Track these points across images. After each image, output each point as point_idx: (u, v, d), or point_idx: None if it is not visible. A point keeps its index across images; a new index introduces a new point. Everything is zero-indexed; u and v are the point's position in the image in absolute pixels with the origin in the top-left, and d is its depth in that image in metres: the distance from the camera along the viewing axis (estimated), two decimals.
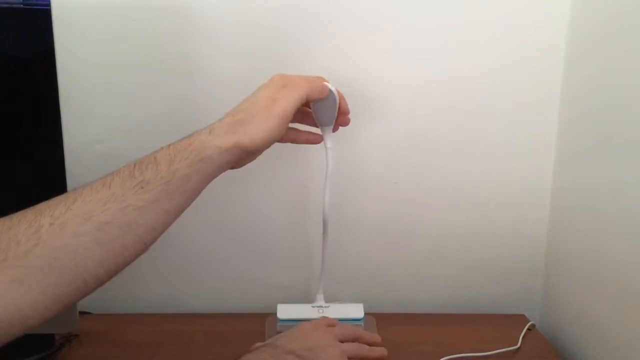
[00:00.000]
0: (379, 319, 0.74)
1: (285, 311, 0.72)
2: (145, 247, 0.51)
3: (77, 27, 0.74)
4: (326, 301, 0.73)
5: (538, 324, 0.80)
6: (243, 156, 0.54)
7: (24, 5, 0.59)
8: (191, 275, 0.83)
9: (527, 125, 0.79)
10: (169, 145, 0.52)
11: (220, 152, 0.51)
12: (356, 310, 0.72)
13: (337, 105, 0.63)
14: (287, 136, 0.60)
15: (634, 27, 0.61)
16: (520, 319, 0.80)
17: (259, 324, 0.73)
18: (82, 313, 0.68)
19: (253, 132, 0.53)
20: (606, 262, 0.66)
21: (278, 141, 0.56)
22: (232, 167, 0.55)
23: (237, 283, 0.83)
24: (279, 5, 0.74)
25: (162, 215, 0.50)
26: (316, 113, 0.63)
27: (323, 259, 0.72)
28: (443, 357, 0.69)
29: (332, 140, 0.65)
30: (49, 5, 0.59)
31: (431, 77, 0.77)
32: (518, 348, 0.72)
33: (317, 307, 0.72)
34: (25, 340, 0.67)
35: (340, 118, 0.64)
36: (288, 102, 0.55)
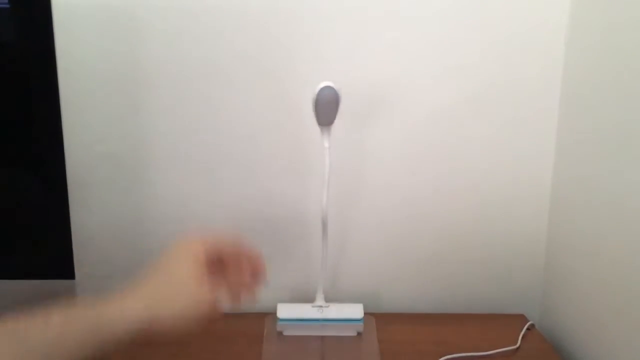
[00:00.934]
0: (378, 319, 0.74)
1: (285, 310, 0.72)
2: None
3: (78, 28, 0.74)
4: (326, 301, 0.73)
5: (538, 324, 0.80)
6: (154, 331, 0.52)
7: (24, 5, 0.59)
8: None
9: (527, 125, 0.79)
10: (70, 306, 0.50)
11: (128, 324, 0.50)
12: (356, 310, 0.72)
13: (338, 105, 0.63)
14: None
15: (634, 28, 0.61)
16: (520, 318, 0.80)
17: (259, 324, 0.73)
18: None
19: (172, 309, 0.51)
20: (606, 262, 0.66)
21: None
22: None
23: None
24: (278, 6, 0.74)
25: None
26: (316, 112, 0.63)
27: (323, 259, 0.72)
28: (443, 357, 0.69)
29: (331, 140, 0.65)
30: (49, 5, 0.58)
31: (431, 78, 0.77)
32: (518, 348, 0.72)
33: (317, 306, 0.72)
34: None
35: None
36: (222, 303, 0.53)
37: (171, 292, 0.51)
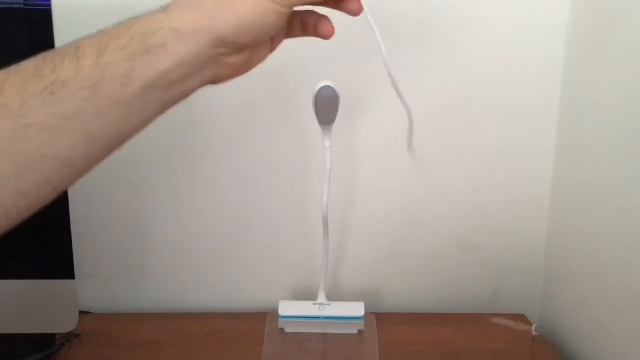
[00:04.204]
0: (379, 319, 0.74)
1: (286, 308, 0.72)
2: (54, 192, 0.34)
3: (78, 28, 0.73)
4: (327, 299, 0.73)
5: (538, 324, 0.80)
6: (219, 50, 0.36)
7: (24, 5, 0.59)
8: (192, 275, 0.83)
9: (527, 125, 0.79)
10: (100, 32, 0.35)
11: (178, 38, 0.34)
12: (357, 309, 0.72)
13: (338, 105, 0.63)
14: (291, 27, 0.45)
15: (634, 28, 0.61)
16: (520, 319, 0.80)
17: (260, 324, 0.73)
18: (82, 312, 0.68)
19: (236, 9, 0.35)
20: (606, 261, 0.66)
21: (281, 36, 0.43)
22: (211, 80, 0.38)
23: (237, 282, 0.83)
24: None
25: (85, 143, 0.33)
26: (316, 112, 0.63)
27: (324, 257, 0.72)
28: (443, 357, 0.69)
29: (331, 139, 0.65)
30: (49, 5, 0.59)
31: (431, 77, 0.77)
32: (518, 348, 0.72)
33: (319, 304, 0.72)
34: (26, 340, 0.68)
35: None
36: None
37: None
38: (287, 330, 0.72)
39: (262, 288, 0.84)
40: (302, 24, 0.46)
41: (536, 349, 0.73)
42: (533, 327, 0.74)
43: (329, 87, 0.63)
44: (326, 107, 0.63)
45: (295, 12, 0.41)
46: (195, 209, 0.80)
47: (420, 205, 0.81)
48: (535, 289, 0.84)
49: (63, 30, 0.70)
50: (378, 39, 0.47)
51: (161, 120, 0.77)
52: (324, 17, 0.46)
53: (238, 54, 0.38)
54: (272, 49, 0.44)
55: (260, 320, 0.74)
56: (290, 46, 0.77)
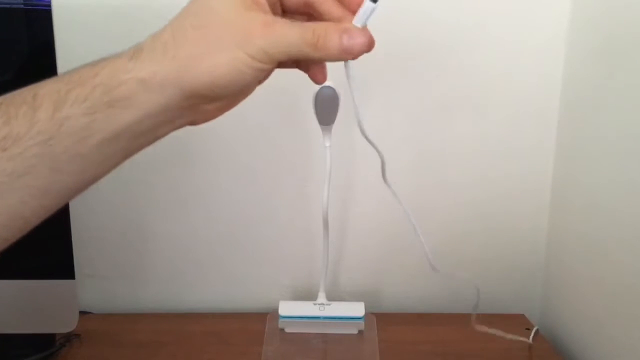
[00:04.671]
0: (379, 319, 0.74)
1: (287, 308, 0.72)
2: (5, 243, 0.33)
3: (78, 28, 0.74)
4: (328, 299, 0.73)
5: (538, 324, 0.80)
6: (192, 101, 0.33)
7: (24, 5, 0.59)
8: (191, 275, 0.83)
9: (527, 124, 0.79)
10: (63, 75, 0.32)
11: (145, 90, 0.31)
12: (357, 309, 0.72)
13: (338, 104, 0.63)
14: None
15: (635, 27, 0.61)
16: (520, 318, 0.80)
17: (260, 324, 0.73)
18: (82, 313, 0.68)
19: (211, 63, 0.32)
20: (606, 261, 0.66)
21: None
22: (186, 125, 0.36)
23: (237, 282, 0.83)
24: None
25: (37, 198, 0.32)
26: (316, 112, 0.63)
27: (324, 257, 0.72)
28: (443, 357, 0.69)
29: (332, 140, 0.65)
30: (49, 5, 0.59)
31: (431, 77, 0.77)
32: (518, 348, 0.72)
33: (319, 304, 0.72)
34: (26, 340, 0.68)
35: None
36: (289, 31, 0.32)
37: (200, 26, 0.32)
38: (287, 330, 0.72)
39: (262, 288, 0.84)
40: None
41: (536, 348, 0.73)
42: (530, 337, 0.74)
43: (329, 87, 0.63)
44: (326, 107, 0.63)
45: None
46: (195, 209, 0.80)
47: (420, 205, 0.81)
48: (535, 289, 0.84)
49: (63, 30, 0.70)
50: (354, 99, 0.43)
51: None
52: (320, 65, 0.41)
53: (215, 102, 0.35)
54: (260, 82, 0.40)
55: (260, 320, 0.74)
56: None
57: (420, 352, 0.71)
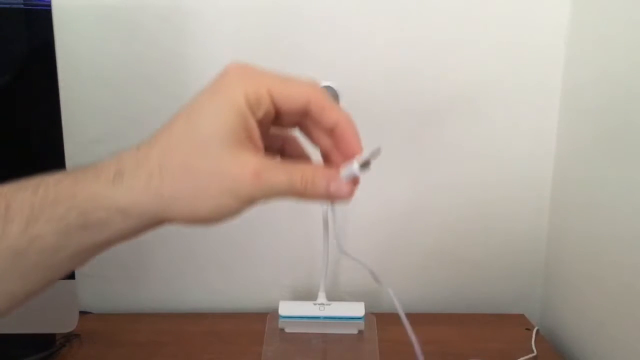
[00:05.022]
0: (379, 319, 0.74)
1: (286, 308, 0.72)
2: None
3: (78, 27, 0.74)
4: (328, 299, 0.73)
5: (538, 324, 0.80)
6: (167, 222, 0.33)
7: (24, 5, 0.59)
8: (191, 275, 0.83)
9: (527, 124, 0.79)
10: (38, 185, 0.32)
11: (123, 218, 0.32)
12: (357, 309, 0.72)
13: (339, 104, 0.63)
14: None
15: (634, 26, 0.61)
16: (520, 319, 0.80)
17: (260, 324, 0.73)
18: (82, 313, 0.68)
19: (196, 207, 0.32)
20: (606, 261, 0.66)
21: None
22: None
23: (238, 282, 0.83)
24: (278, 5, 0.74)
25: (4, 300, 0.33)
26: None
27: (324, 258, 0.72)
28: (443, 357, 0.69)
29: None
30: (49, 5, 0.59)
31: (430, 78, 0.77)
32: (518, 348, 0.72)
33: (319, 304, 0.72)
34: (26, 340, 0.68)
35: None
36: (278, 179, 0.31)
37: (188, 167, 0.31)
38: (287, 330, 0.72)
39: (262, 288, 0.83)
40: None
41: (536, 349, 0.73)
42: (530, 337, 0.74)
43: (329, 87, 0.63)
44: None
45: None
46: None
47: (420, 205, 0.81)
48: (536, 289, 0.84)
49: (63, 30, 0.70)
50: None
51: (161, 119, 0.76)
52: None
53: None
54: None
55: (260, 320, 0.74)
56: (291, 46, 0.78)
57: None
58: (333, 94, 0.63)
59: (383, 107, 0.78)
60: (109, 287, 0.82)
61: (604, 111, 0.67)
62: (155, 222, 0.33)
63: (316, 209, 0.73)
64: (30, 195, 0.31)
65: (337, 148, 0.36)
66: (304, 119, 0.35)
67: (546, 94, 0.78)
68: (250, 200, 0.32)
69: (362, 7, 0.75)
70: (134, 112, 0.76)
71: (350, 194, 0.34)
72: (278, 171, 0.32)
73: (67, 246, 0.31)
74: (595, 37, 0.70)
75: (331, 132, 0.35)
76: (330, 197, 0.34)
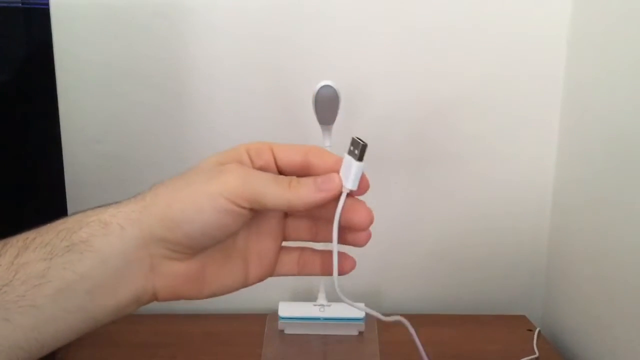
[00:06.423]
0: (379, 320, 0.74)
1: (286, 309, 0.72)
2: None
3: (76, 27, 0.73)
4: (328, 300, 0.73)
5: (540, 325, 0.80)
6: (151, 249, 0.33)
7: (22, 4, 0.59)
8: None
9: (528, 124, 0.79)
10: (44, 227, 0.32)
11: (104, 233, 0.32)
12: (357, 310, 0.72)
13: (338, 104, 0.62)
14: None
15: (636, 26, 0.61)
16: (522, 320, 0.80)
17: (260, 325, 0.73)
18: None
19: (182, 206, 0.32)
20: (608, 262, 0.66)
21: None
22: (148, 293, 0.36)
23: None
24: (278, 4, 0.74)
25: None
26: (316, 111, 0.63)
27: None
28: (443, 357, 0.68)
29: (332, 139, 0.65)
30: (47, 4, 0.58)
31: (431, 77, 0.77)
32: (519, 349, 0.72)
33: (319, 305, 0.72)
34: None
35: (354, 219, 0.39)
36: (260, 175, 0.34)
37: (177, 179, 0.34)
38: (287, 331, 0.72)
39: (262, 289, 0.82)
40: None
41: (538, 350, 0.73)
42: (532, 338, 0.74)
43: (329, 86, 0.62)
44: (326, 106, 0.62)
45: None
46: None
47: (421, 205, 0.81)
48: (537, 290, 0.84)
49: (61, 29, 0.70)
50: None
51: (160, 119, 0.76)
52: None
53: (179, 259, 0.33)
54: (247, 274, 0.41)
55: (259, 322, 0.74)
56: (290, 45, 0.77)
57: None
58: (333, 94, 0.62)
59: (383, 107, 0.77)
60: None
61: (606, 111, 0.67)
62: (139, 239, 0.32)
63: None
64: (32, 231, 0.32)
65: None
66: (305, 172, 0.36)
67: (548, 93, 0.78)
68: (240, 198, 0.32)
69: (362, 7, 0.75)
70: (133, 112, 0.76)
71: (337, 189, 0.37)
72: (261, 172, 0.34)
73: (51, 277, 0.29)
74: (598, 36, 0.70)
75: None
76: (321, 192, 0.35)
